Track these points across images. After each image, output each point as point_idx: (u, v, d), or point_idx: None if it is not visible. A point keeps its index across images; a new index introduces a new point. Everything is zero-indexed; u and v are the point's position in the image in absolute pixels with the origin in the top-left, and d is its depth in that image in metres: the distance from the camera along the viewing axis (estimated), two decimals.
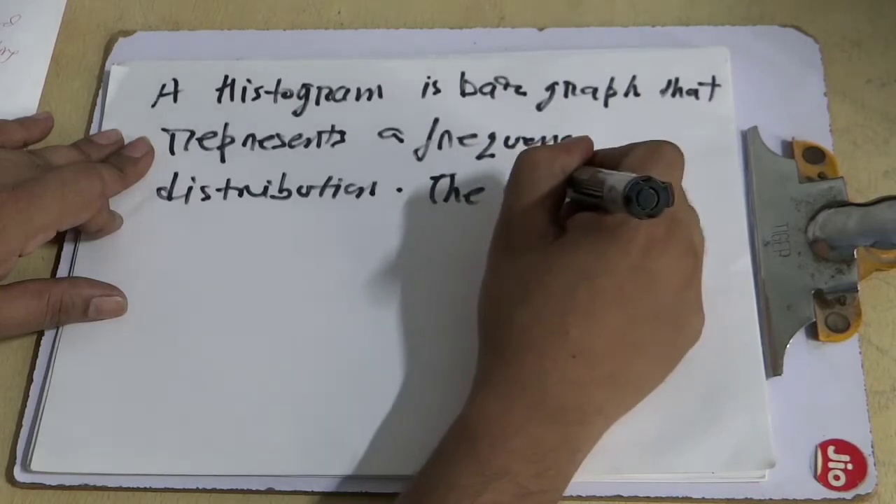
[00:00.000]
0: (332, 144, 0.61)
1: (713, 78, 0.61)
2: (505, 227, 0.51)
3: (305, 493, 0.52)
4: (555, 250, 0.49)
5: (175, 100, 0.63)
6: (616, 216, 0.48)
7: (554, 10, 0.65)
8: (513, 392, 0.47)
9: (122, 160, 0.59)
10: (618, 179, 0.46)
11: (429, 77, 0.62)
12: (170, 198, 0.60)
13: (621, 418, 0.51)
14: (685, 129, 0.59)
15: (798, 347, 0.53)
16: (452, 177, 0.59)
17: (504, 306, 0.49)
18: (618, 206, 0.45)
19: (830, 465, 0.50)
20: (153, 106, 0.63)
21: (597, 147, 0.53)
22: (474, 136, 0.60)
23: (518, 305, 0.48)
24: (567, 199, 0.52)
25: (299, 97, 0.62)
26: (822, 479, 0.50)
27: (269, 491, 0.52)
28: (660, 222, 0.47)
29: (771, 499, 0.50)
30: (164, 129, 0.62)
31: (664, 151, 0.50)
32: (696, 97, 0.60)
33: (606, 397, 0.48)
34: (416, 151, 0.60)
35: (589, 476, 0.50)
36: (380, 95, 0.62)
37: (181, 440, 0.53)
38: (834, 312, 0.53)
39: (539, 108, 0.61)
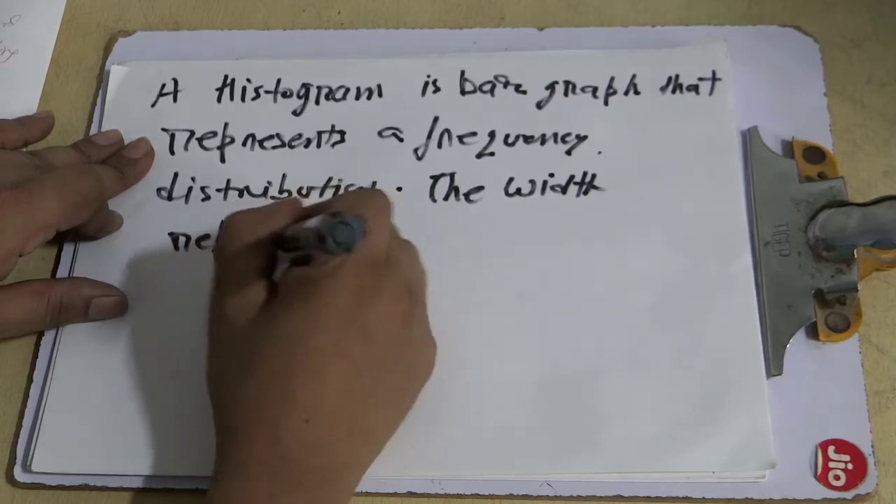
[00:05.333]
0: (332, 144, 0.61)
1: (713, 72, 0.60)
2: (220, 298, 0.49)
3: None
4: (270, 316, 0.47)
5: (175, 100, 0.63)
6: (323, 268, 0.47)
7: (554, 10, 0.65)
8: (252, 469, 0.46)
9: (121, 161, 0.59)
10: (313, 222, 0.45)
11: (428, 76, 0.62)
12: (170, 198, 0.60)
13: (621, 417, 0.51)
14: (686, 127, 0.59)
15: (798, 347, 0.53)
16: (452, 175, 0.59)
17: (229, 383, 0.48)
18: (317, 249, 0.44)
19: (830, 464, 0.50)
20: (153, 106, 0.63)
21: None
22: (474, 134, 0.60)
23: (243, 380, 0.47)
24: (284, 262, 0.49)
25: (299, 97, 0.62)
26: (822, 478, 0.50)
27: None
28: (367, 269, 0.47)
29: (771, 499, 0.50)
30: (164, 129, 0.62)
31: (372, 197, 0.50)
32: (697, 92, 0.60)
33: (352, 451, 0.47)
34: (415, 150, 0.60)
35: (589, 475, 0.50)
36: (379, 95, 0.62)
37: (181, 440, 0.53)
38: (834, 312, 0.53)
39: (539, 106, 0.61)
